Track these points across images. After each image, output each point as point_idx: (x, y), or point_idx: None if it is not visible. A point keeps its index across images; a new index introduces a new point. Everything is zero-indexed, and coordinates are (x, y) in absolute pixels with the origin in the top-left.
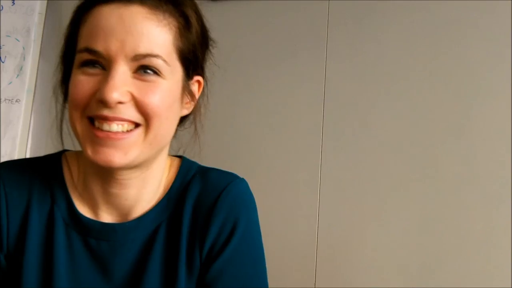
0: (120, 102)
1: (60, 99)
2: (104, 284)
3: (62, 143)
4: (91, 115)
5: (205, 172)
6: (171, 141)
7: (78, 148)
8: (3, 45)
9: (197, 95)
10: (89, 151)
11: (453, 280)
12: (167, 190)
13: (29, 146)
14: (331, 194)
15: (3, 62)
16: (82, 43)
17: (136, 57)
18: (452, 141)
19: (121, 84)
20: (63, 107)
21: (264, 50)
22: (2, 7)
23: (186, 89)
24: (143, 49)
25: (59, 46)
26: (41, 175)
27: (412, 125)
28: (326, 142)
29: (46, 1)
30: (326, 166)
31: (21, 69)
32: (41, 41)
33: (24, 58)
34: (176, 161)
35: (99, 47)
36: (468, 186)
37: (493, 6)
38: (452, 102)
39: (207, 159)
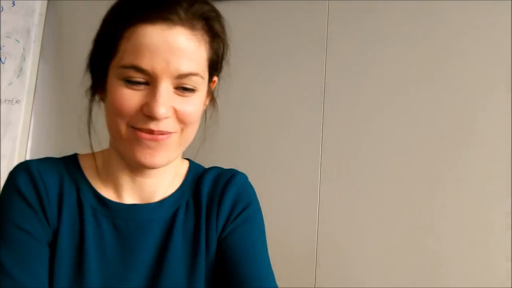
0: (165, 117)
1: (88, 100)
2: (130, 264)
3: (90, 137)
4: (137, 127)
5: (212, 168)
6: None
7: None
8: (3, 46)
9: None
10: (137, 155)
11: (453, 281)
12: (182, 181)
13: (29, 147)
14: (331, 194)
15: (3, 63)
16: (127, 59)
17: (180, 76)
18: (452, 141)
19: (167, 101)
20: (91, 104)
21: (264, 50)
22: (2, 8)
23: (208, 91)
24: (185, 68)
25: (59, 47)
26: (66, 170)
27: (412, 125)
28: (326, 142)
29: (46, 2)
30: (326, 166)
31: (21, 70)
32: (41, 42)
33: (24, 59)
34: (185, 161)
35: (146, 65)
36: (469, 186)
37: (493, 6)
38: (453, 101)
39: (207, 158)
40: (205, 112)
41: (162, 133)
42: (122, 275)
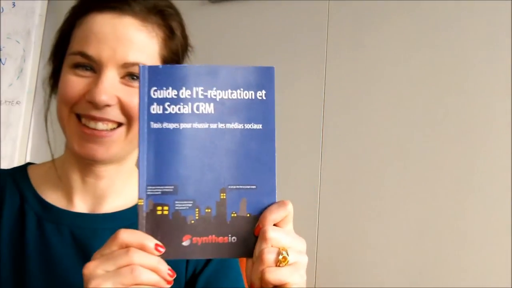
0: (107, 105)
1: (48, 90)
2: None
3: (47, 130)
4: (80, 113)
5: None
6: None
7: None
8: (4, 47)
9: None
10: (76, 145)
11: (453, 281)
12: None
13: (29, 148)
14: (331, 194)
15: (3, 64)
16: (75, 46)
17: (125, 65)
18: (452, 142)
19: (110, 88)
20: (50, 97)
21: (264, 51)
22: (3, 9)
23: None
24: (132, 57)
25: None
26: (10, 180)
27: (412, 125)
28: (326, 142)
29: (46, 3)
30: (326, 166)
31: (21, 71)
32: (41, 43)
33: (24, 60)
34: None
35: (92, 52)
36: (469, 186)
37: (493, 6)
38: (453, 102)
39: None
40: None
41: (106, 120)
42: (72, 279)
